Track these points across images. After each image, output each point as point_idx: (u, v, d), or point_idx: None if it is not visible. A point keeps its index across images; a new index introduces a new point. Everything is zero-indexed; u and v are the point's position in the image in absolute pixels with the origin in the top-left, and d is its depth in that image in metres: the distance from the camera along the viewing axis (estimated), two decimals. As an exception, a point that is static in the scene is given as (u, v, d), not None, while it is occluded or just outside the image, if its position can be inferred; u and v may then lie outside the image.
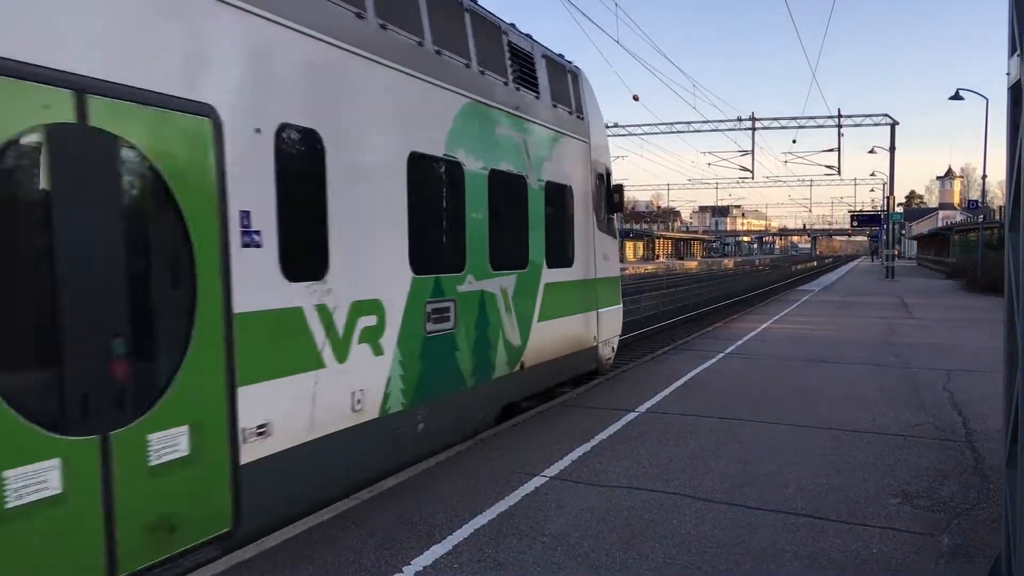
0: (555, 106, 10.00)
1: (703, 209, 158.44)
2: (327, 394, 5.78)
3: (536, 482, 6.42)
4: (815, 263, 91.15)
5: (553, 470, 6.76)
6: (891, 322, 19.06)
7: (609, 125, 40.50)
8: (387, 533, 5.32)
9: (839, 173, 48.66)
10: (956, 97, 35.91)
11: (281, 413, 5.32)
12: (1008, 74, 4.09)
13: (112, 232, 4.17)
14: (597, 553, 4.98)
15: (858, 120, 44.36)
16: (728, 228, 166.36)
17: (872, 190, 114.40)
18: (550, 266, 9.66)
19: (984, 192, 47.34)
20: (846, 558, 4.88)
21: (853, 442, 7.63)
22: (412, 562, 4.86)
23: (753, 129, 46.61)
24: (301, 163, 5.62)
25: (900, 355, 13.36)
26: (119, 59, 4.23)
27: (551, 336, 9.68)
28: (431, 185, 7.23)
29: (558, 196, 9.95)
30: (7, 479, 3.64)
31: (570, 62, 10.86)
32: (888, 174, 42.45)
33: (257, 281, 5.10)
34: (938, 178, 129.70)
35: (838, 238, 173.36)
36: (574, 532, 5.34)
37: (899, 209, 55.16)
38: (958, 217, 79.65)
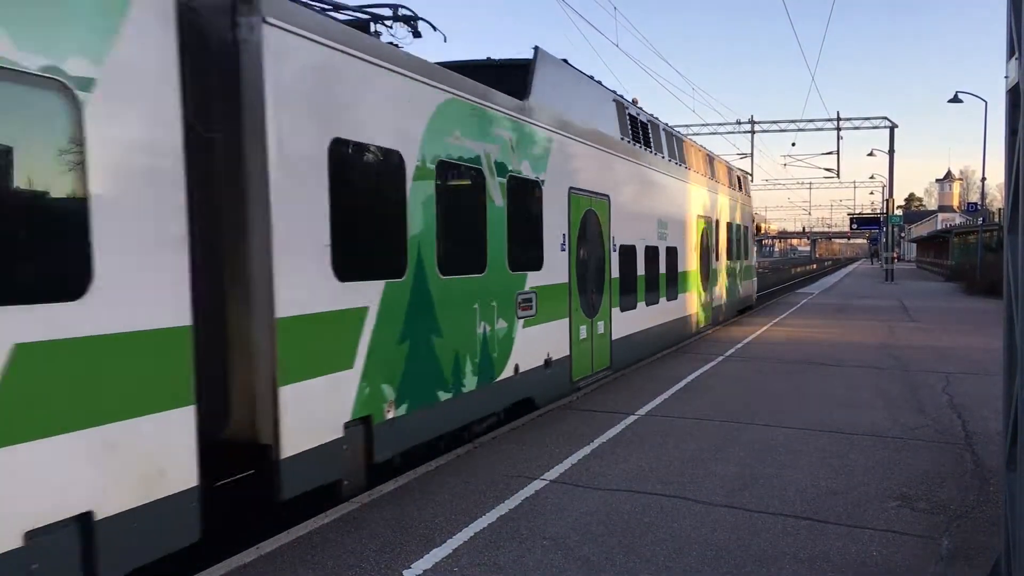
0: (742, 191, 22.59)
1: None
2: (721, 291, 19.45)
3: (536, 486, 6.42)
4: (814, 266, 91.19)
5: (553, 473, 6.76)
6: (890, 325, 19.07)
7: (608, 128, 40.62)
8: (387, 536, 5.32)
9: (838, 176, 48.74)
10: (955, 100, 35.98)
11: (719, 293, 19.26)
12: (1006, 77, 4.10)
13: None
14: (597, 556, 4.98)
15: (857, 123, 44.44)
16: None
17: (871, 193, 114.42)
18: (745, 258, 22.78)
19: (983, 195, 47.40)
20: (846, 561, 4.89)
21: (852, 445, 7.64)
22: (412, 565, 4.86)
23: (752, 132, 46.68)
24: (736, 233, 21.40)
25: (899, 358, 13.37)
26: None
27: (744, 287, 22.87)
28: (734, 234, 20.81)
29: (747, 229, 23.39)
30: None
31: (743, 170, 24.13)
32: (887, 177, 42.49)
33: (719, 258, 19.17)
34: (937, 181, 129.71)
35: (837, 241, 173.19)
36: (574, 535, 5.34)
37: (898, 212, 55.16)
38: (957, 220, 79.68)
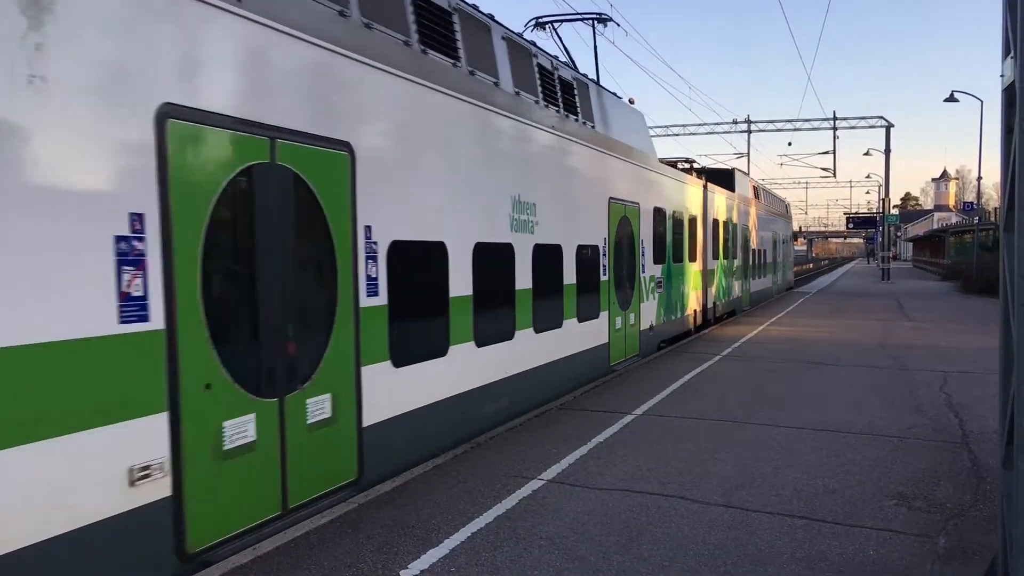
0: (788, 215, 38.33)
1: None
2: (782, 274, 35.71)
3: (533, 485, 6.42)
4: (811, 266, 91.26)
5: (550, 473, 6.75)
6: (887, 324, 19.09)
7: (605, 128, 40.78)
8: (384, 537, 5.31)
9: (834, 175, 48.90)
10: (951, 99, 36.05)
11: (781, 275, 35.46)
12: (1002, 76, 4.10)
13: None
14: (595, 556, 4.98)
15: (853, 122, 44.54)
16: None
17: (868, 192, 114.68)
18: (787, 257, 37.88)
19: (979, 194, 47.54)
20: (843, 560, 4.89)
21: (850, 444, 7.64)
22: (409, 566, 4.85)
23: (749, 132, 46.77)
24: (788, 240, 38.52)
25: (896, 357, 13.39)
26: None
27: (789, 274, 39.19)
28: (787, 241, 37.58)
29: (791, 238, 39.65)
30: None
31: (787, 202, 39.63)
32: (883, 176, 42.58)
33: (780, 257, 35.32)
34: (933, 180, 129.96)
35: (834, 240, 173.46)
36: (571, 535, 5.33)
37: (894, 211, 55.29)
38: (953, 219, 79.72)
